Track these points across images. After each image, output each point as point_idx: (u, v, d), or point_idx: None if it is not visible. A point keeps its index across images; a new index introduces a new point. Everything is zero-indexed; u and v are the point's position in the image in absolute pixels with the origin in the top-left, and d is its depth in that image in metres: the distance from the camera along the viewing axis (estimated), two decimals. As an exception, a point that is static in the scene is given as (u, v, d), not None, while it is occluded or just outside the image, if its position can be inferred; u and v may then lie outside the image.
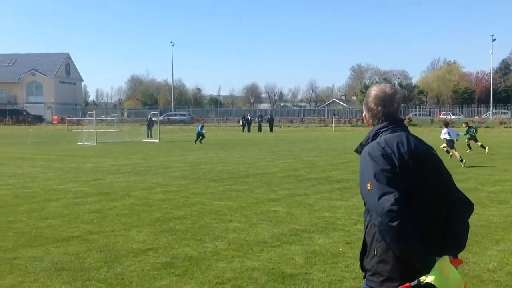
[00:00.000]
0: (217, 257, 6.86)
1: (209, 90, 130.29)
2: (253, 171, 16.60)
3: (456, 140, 19.65)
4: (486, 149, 23.03)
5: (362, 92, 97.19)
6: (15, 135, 45.14)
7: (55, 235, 8.02)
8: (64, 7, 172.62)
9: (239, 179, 14.78)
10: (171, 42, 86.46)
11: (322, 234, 8.08)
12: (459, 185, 3.07)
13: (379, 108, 2.95)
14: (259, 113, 62.00)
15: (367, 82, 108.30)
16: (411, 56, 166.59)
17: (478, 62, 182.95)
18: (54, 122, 72.91)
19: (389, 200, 2.59)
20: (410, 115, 72.23)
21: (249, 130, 54.31)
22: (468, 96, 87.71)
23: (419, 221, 2.68)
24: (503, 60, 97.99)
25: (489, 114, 66.83)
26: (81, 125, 54.86)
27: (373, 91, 2.99)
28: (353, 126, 63.65)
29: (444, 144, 19.62)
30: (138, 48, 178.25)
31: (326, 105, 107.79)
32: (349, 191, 12.42)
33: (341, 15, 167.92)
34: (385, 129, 2.91)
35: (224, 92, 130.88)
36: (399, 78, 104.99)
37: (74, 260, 6.68)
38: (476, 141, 23.29)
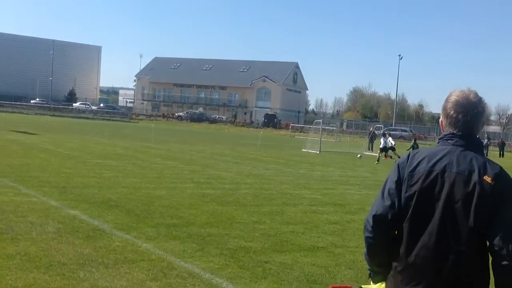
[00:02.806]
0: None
1: (433, 108, 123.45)
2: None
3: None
4: None
5: None
6: (245, 137, 48.40)
7: (300, 243, 7.88)
8: (299, 19, 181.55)
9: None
10: (399, 55, 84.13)
11: None
12: None
13: (459, 116, 2.56)
14: (486, 135, 57.02)
15: None
16: None
17: None
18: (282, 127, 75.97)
19: (371, 210, 2.60)
20: None
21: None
22: None
23: (404, 238, 2.53)
24: None
25: None
26: (304, 132, 56.75)
27: (454, 95, 2.61)
28: None
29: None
30: (362, 60, 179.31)
31: None
32: None
33: None
34: (441, 140, 2.63)
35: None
36: None
37: (324, 274, 6.38)
38: None
